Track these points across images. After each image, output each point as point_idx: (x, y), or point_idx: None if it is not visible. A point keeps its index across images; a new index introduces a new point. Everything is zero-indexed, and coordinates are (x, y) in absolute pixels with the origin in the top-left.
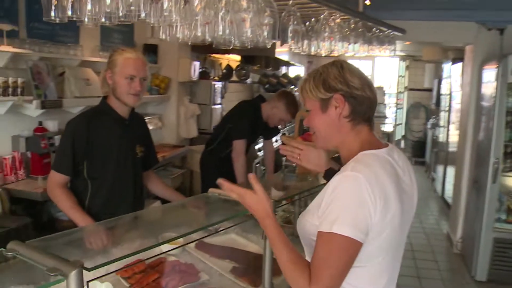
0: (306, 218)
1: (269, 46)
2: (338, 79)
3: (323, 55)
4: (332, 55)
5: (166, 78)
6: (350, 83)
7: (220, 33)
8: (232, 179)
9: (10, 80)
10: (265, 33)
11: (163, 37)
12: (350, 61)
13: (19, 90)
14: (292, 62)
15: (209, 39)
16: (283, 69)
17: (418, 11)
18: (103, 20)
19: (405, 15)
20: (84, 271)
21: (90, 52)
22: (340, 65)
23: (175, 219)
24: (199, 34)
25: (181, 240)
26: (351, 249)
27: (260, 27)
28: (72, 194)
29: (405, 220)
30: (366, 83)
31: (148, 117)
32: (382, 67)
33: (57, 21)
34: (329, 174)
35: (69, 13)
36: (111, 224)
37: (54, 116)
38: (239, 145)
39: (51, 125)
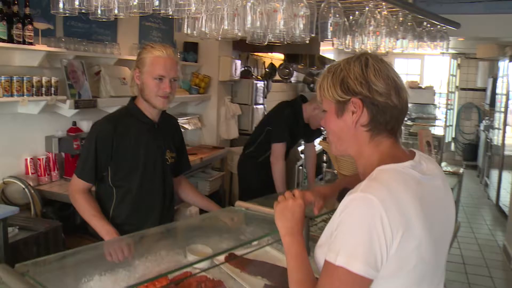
0: (319, 250)
1: (307, 41)
2: (358, 80)
3: (369, 51)
4: (378, 51)
5: (206, 77)
6: (372, 86)
7: (249, 25)
8: (271, 184)
9: (44, 79)
10: (301, 26)
11: (188, 31)
12: (398, 60)
13: (52, 89)
14: (337, 61)
15: (239, 33)
16: None
17: (474, 3)
18: (116, 12)
19: (459, 9)
20: None
21: (128, 50)
22: (365, 61)
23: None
24: (226, 27)
25: (209, 252)
26: (357, 285)
27: (294, 19)
28: (94, 201)
29: (440, 244)
30: (395, 87)
31: (187, 117)
32: (432, 65)
33: (67, 15)
34: (343, 194)
35: (77, 4)
36: (134, 238)
37: (88, 116)
38: (278, 149)
39: (85, 125)
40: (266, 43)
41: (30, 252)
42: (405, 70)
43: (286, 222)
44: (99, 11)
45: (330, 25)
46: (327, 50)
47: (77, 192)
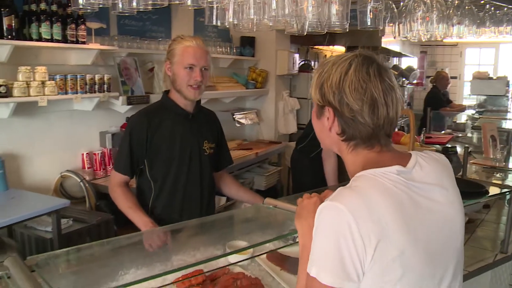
0: None
1: (345, 29)
2: (332, 89)
3: (423, 40)
4: (447, 41)
5: (263, 71)
6: (344, 98)
7: (274, 13)
8: (323, 181)
9: (97, 77)
10: (333, 11)
11: (215, 22)
12: (469, 49)
13: (105, 86)
14: (403, 53)
15: (270, 23)
16: (394, 61)
17: None
18: (134, 4)
19: None
20: None
21: None
22: (347, 67)
23: (245, 226)
24: (252, 16)
25: (250, 250)
26: None
27: (324, 4)
28: (131, 193)
29: (438, 255)
30: (370, 104)
31: (245, 112)
32: (509, 54)
33: (88, 10)
34: None
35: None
36: (172, 229)
37: None
38: None
39: None
40: (305, 33)
41: (83, 243)
42: (477, 60)
43: (302, 220)
44: (119, 5)
45: (370, 12)
46: (391, 42)
47: (115, 185)
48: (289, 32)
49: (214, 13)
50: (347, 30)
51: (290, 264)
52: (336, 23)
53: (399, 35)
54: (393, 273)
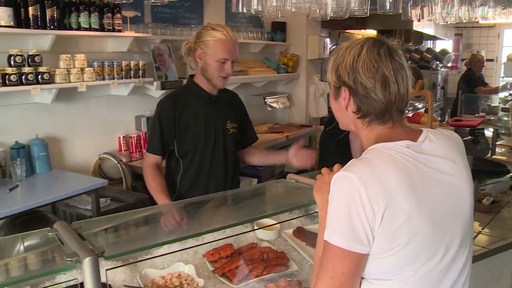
0: None
1: (365, 14)
2: (347, 70)
3: (448, 22)
4: (484, 23)
5: (294, 56)
6: (358, 78)
7: (294, 0)
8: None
9: (132, 63)
10: None
11: (241, 9)
12: (507, 30)
13: (140, 72)
14: (437, 36)
15: (292, 9)
16: (428, 44)
17: None
18: None
19: None
20: None
21: None
22: (359, 50)
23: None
24: (274, 3)
25: (277, 225)
26: (346, 259)
27: None
28: (160, 175)
29: (445, 222)
30: (382, 81)
31: (276, 96)
32: None
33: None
34: None
35: None
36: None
37: None
38: None
39: None
40: (328, 18)
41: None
42: None
43: (322, 194)
44: None
45: None
46: (425, 25)
47: (147, 166)
48: (313, 17)
49: (240, 0)
50: (367, 14)
51: (314, 239)
52: (355, 8)
53: (422, 18)
54: (401, 238)
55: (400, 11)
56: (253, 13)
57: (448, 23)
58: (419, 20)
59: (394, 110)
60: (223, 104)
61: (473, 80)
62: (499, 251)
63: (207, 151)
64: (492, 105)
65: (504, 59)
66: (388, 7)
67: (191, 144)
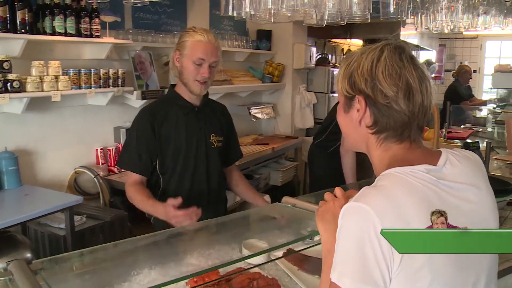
0: None
1: (366, 20)
2: (364, 76)
3: (445, 31)
4: (467, 34)
5: (280, 65)
6: (378, 85)
7: (292, 2)
8: (342, 176)
9: (111, 71)
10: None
11: (231, 13)
12: (489, 42)
13: (120, 81)
14: (421, 46)
15: (288, 13)
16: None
17: None
18: None
19: None
20: None
21: None
22: (379, 54)
23: (262, 225)
24: (269, 5)
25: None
26: None
27: None
28: (146, 189)
29: (469, 260)
30: (405, 89)
31: (261, 107)
32: None
33: (99, 0)
34: None
35: None
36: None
37: None
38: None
39: None
40: (325, 25)
41: (97, 240)
42: (498, 53)
43: (327, 224)
44: None
45: (393, 0)
46: (410, 35)
47: (129, 185)
48: (308, 23)
49: (231, 4)
50: (368, 20)
51: (308, 264)
52: (358, 12)
53: (421, 26)
54: (422, 280)
55: (404, 18)
56: (244, 17)
57: (447, 31)
58: (416, 29)
59: (414, 126)
60: (207, 116)
61: (459, 91)
62: (503, 275)
63: (189, 165)
64: (477, 116)
65: (486, 71)
66: (392, 12)
67: (172, 158)
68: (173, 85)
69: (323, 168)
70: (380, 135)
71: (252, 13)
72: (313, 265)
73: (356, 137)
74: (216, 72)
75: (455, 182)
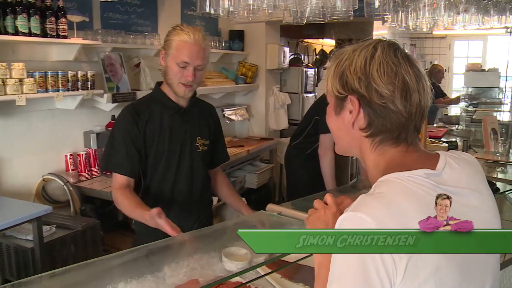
0: None
1: (351, 17)
2: (357, 75)
3: (424, 29)
4: (436, 34)
5: (253, 66)
6: (372, 84)
7: None
8: (320, 178)
9: (79, 73)
10: None
11: (208, 9)
12: (458, 42)
13: (89, 83)
14: None
15: (269, 10)
16: None
17: None
18: None
19: None
20: None
21: None
22: (372, 51)
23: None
24: (251, 1)
25: (247, 255)
26: None
27: None
28: (133, 194)
29: (471, 270)
30: (402, 88)
31: (234, 108)
32: (496, 47)
33: None
34: None
35: None
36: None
37: None
38: (326, 140)
39: None
40: (305, 23)
41: (68, 251)
42: (466, 53)
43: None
44: None
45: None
46: (381, 35)
47: (115, 189)
48: (287, 21)
49: (207, 0)
50: (351, 18)
51: (290, 271)
52: (343, 9)
53: (401, 24)
54: None
55: (388, 15)
56: (221, 14)
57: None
58: (396, 27)
59: (411, 128)
60: (193, 118)
61: (435, 90)
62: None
63: (171, 169)
64: (449, 114)
65: (455, 70)
66: (376, 10)
67: (154, 160)
68: (160, 83)
69: (301, 170)
70: (375, 138)
71: (231, 9)
72: (296, 272)
73: (348, 141)
74: (203, 74)
75: (456, 187)
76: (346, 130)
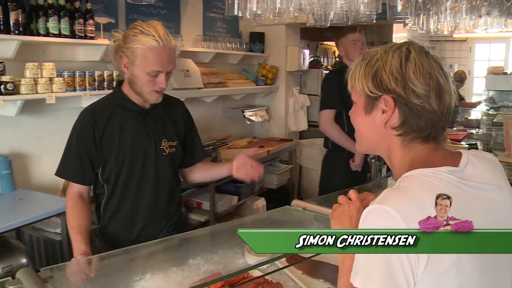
0: None
1: (373, 20)
2: (394, 75)
3: (445, 32)
4: (457, 36)
5: (273, 67)
6: (410, 84)
7: (302, 0)
8: (357, 182)
9: (106, 73)
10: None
11: (236, 12)
12: (478, 45)
13: (114, 83)
14: None
15: (295, 13)
16: None
17: None
18: None
19: None
20: None
21: (192, 42)
22: (406, 53)
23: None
24: (278, 5)
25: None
26: None
27: None
28: (81, 209)
29: (495, 264)
30: (436, 89)
31: (254, 109)
32: None
33: None
34: None
35: None
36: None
37: None
38: (324, 116)
39: None
40: (328, 25)
41: (93, 244)
42: (487, 56)
43: (343, 228)
44: None
45: (400, 4)
46: (401, 38)
47: (68, 196)
48: (310, 24)
49: (236, 3)
50: (374, 21)
51: (311, 267)
52: (367, 12)
53: (422, 27)
54: (448, 286)
55: (409, 18)
56: (249, 17)
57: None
58: (417, 30)
59: (440, 127)
60: (158, 119)
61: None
62: None
63: (134, 175)
64: (469, 118)
65: (476, 73)
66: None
67: (115, 166)
68: (120, 82)
69: (339, 173)
70: (406, 137)
71: (259, 12)
72: (317, 268)
73: (377, 140)
74: (170, 76)
75: (478, 183)
76: (376, 129)
